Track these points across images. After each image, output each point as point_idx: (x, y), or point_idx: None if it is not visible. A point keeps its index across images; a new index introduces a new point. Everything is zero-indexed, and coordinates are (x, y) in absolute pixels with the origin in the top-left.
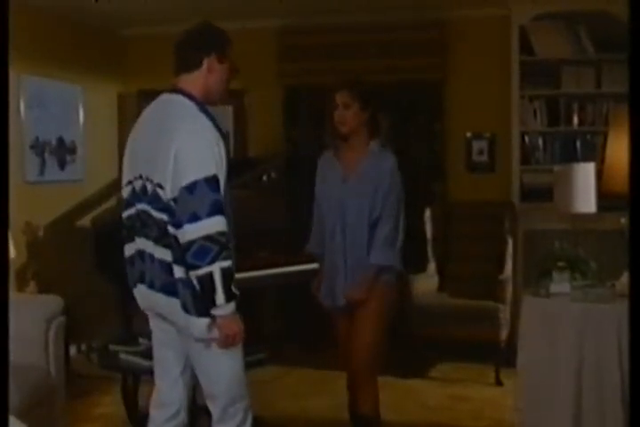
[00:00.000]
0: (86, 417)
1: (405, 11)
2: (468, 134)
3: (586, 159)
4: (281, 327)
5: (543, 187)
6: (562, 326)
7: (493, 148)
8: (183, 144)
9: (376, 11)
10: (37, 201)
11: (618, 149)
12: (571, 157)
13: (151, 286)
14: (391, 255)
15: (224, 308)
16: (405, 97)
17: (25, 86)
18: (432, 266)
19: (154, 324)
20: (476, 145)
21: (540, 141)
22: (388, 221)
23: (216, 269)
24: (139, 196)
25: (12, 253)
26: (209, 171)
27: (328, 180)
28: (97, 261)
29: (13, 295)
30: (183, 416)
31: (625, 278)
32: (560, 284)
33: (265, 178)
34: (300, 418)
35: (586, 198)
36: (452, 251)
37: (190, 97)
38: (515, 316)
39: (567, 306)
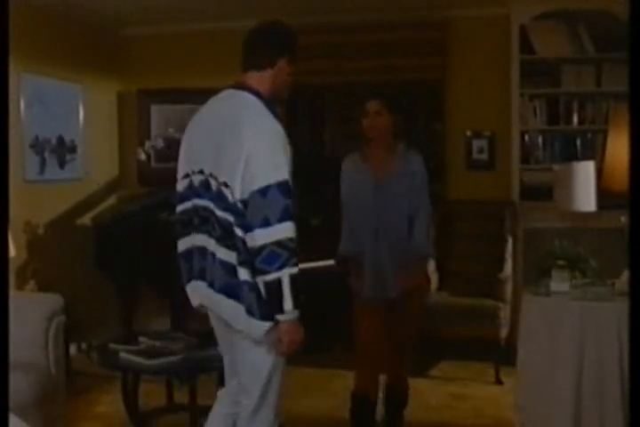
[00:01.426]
0: (86, 416)
1: (405, 11)
2: (468, 133)
3: (586, 158)
4: None
5: (543, 185)
6: (562, 324)
7: (493, 146)
8: (257, 146)
9: (376, 11)
10: (37, 200)
11: (618, 147)
12: (571, 155)
13: (211, 285)
14: (430, 246)
15: (290, 314)
16: (405, 97)
17: (25, 85)
18: (432, 264)
19: (214, 321)
20: (476, 144)
21: (540, 140)
22: (425, 216)
23: (285, 275)
24: (198, 191)
25: (12, 251)
26: (282, 175)
27: (358, 183)
28: (97, 259)
29: (13, 294)
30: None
31: (625, 277)
32: (560, 282)
33: None
34: (301, 418)
35: (586, 197)
36: (451, 249)
37: (258, 95)
38: (515, 314)
39: (567, 304)
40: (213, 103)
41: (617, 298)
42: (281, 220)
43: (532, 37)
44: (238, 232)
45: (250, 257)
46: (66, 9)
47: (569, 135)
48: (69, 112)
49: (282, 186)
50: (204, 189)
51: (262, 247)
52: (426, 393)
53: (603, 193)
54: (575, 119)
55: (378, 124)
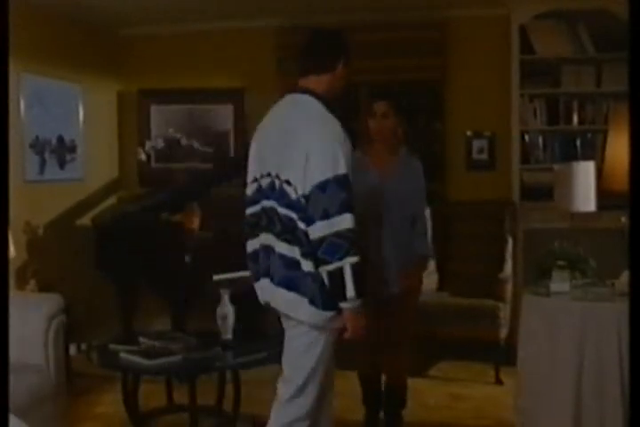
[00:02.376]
0: (86, 416)
1: (405, 11)
2: (468, 133)
3: (586, 158)
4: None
5: (543, 186)
6: (562, 324)
7: (493, 146)
8: (316, 143)
9: (376, 11)
10: (37, 200)
11: (618, 147)
12: (571, 155)
13: (272, 279)
14: (429, 246)
15: (353, 302)
16: (405, 97)
17: (25, 85)
18: (432, 265)
19: (283, 318)
20: (476, 144)
21: (540, 140)
22: (424, 217)
23: (346, 264)
24: (266, 193)
25: (12, 252)
26: (340, 170)
27: (362, 181)
28: (97, 259)
29: (13, 294)
30: (307, 396)
31: (625, 277)
32: (560, 282)
33: None
34: None
35: (586, 197)
36: (451, 250)
37: (317, 96)
38: (515, 315)
39: (567, 305)
40: (276, 109)
41: (617, 298)
42: (340, 212)
43: (532, 37)
44: (301, 226)
45: (312, 249)
46: (66, 9)
47: (569, 135)
48: (69, 112)
49: (340, 180)
50: (271, 190)
51: (323, 239)
52: (426, 393)
53: (603, 193)
54: (575, 119)
55: (385, 127)
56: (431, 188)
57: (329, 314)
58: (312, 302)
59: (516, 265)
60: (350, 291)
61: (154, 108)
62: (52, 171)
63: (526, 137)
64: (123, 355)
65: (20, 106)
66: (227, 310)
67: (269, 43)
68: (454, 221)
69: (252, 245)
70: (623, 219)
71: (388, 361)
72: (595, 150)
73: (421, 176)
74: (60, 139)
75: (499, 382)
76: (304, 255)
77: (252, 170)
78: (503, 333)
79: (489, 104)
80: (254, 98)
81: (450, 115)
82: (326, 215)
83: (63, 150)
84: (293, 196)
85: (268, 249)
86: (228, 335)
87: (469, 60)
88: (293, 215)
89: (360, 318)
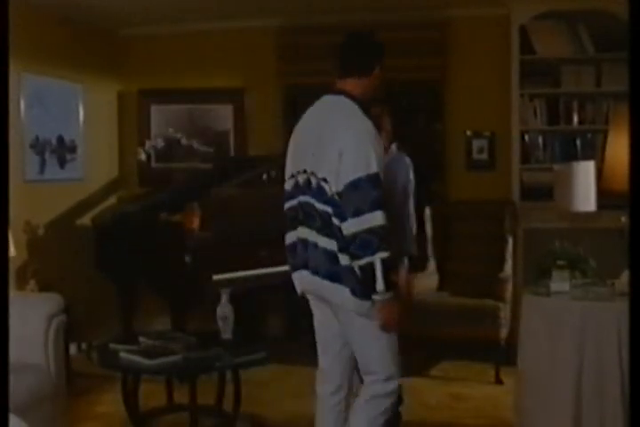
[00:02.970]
0: (86, 416)
1: (405, 11)
2: (468, 133)
3: (586, 158)
4: (282, 327)
5: (543, 185)
6: (562, 324)
7: (493, 146)
8: (349, 143)
9: (376, 11)
10: (37, 200)
11: (618, 147)
12: (571, 155)
13: (315, 272)
14: (413, 244)
15: (383, 294)
16: (405, 97)
17: (25, 85)
18: (432, 265)
19: (315, 307)
20: (476, 144)
21: (540, 140)
22: (412, 216)
23: (377, 259)
24: (302, 189)
25: (12, 251)
26: (372, 168)
27: None
28: (97, 259)
29: (13, 294)
30: (345, 391)
31: (625, 277)
32: (560, 282)
33: (265, 177)
34: (301, 418)
35: (586, 197)
36: (451, 250)
37: (353, 98)
38: (515, 314)
39: (567, 305)
40: (314, 109)
41: (617, 298)
42: (371, 209)
43: (532, 37)
44: (335, 222)
45: (346, 244)
46: (66, 9)
47: (569, 135)
48: (69, 112)
49: (372, 179)
50: (307, 186)
51: (355, 235)
52: (426, 393)
53: (603, 193)
54: (575, 119)
55: (379, 128)
56: (431, 188)
57: (367, 303)
58: (353, 292)
59: (516, 265)
60: (380, 284)
61: (154, 108)
62: (52, 171)
63: (526, 137)
64: (123, 355)
65: (20, 106)
66: (227, 309)
67: (269, 43)
68: (454, 221)
69: (289, 237)
70: (623, 219)
71: None
72: (595, 150)
73: (410, 173)
74: (60, 139)
75: (499, 381)
76: (340, 250)
77: (290, 167)
78: (503, 333)
79: (489, 104)
80: (254, 98)
81: (450, 115)
82: (358, 212)
83: (63, 150)
84: (329, 193)
85: (305, 242)
86: (228, 335)
87: (469, 60)
88: (330, 211)
89: (391, 309)
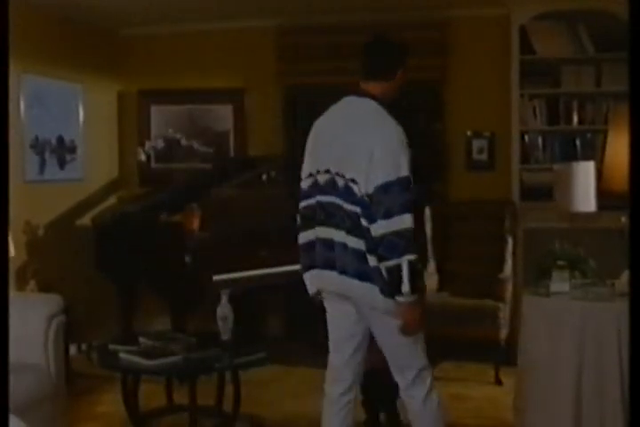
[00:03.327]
0: (86, 416)
1: (405, 11)
2: (468, 133)
3: (586, 158)
4: (282, 327)
5: (543, 186)
6: (562, 324)
7: (493, 147)
8: (381, 145)
9: (376, 11)
10: (37, 200)
11: (617, 147)
12: (570, 155)
13: (343, 271)
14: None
15: (407, 297)
16: (405, 97)
17: (25, 85)
18: (432, 265)
19: (332, 306)
20: (476, 144)
21: (540, 140)
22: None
23: (404, 261)
24: (324, 188)
25: (12, 252)
26: (403, 172)
27: None
28: (97, 260)
29: (13, 294)
30: (355, 391)
31: (625, 277)
32: (560, 283)
33: (265, 177)
34: (301, 418)
35: (586, 197)
36: (451, 250)
37: (378, 100)
38: (515, 315)
39: (567, 305)
40: (336, 109)
41: (617, 298)
42: (401, 212)
43: (532, 38)
44: (364, 223)
45: (374, 245)
46: (66, 9)
47: (569, 135)
48: (69, 112)
49: (403, 182)
50: (330, 186)
51: (383, 237)
52: None
53: (603, 193)
54: (575, 119)
55: None
56: (431, 188)
57: (393, 303)
58: (382, 290)
59: (516, 265)
60: (405, 286)
61: (154, 109)
62: (51, 171)
63: (526, 137)
64: (123, 355)
65: (20, 106)
66: (226, 310)
67: (269, 43)
68: (454, 221)
69: (305, 236)
70: (623, 219)
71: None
72: (594, 150)
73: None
74: (60, 139)
75: (499, 382)
76: (369, 251)
77: (308, 166)
78: (503, 333)
79: (489, 104)
80: (254, 98)
81: (450, 115)
82: (388, 215)
83: (63, 150)
84: (358, 194)
85: (330, 242)
86: (228, 336)
87: (469, 60)
88: (358, 212)
89: (415, 311)
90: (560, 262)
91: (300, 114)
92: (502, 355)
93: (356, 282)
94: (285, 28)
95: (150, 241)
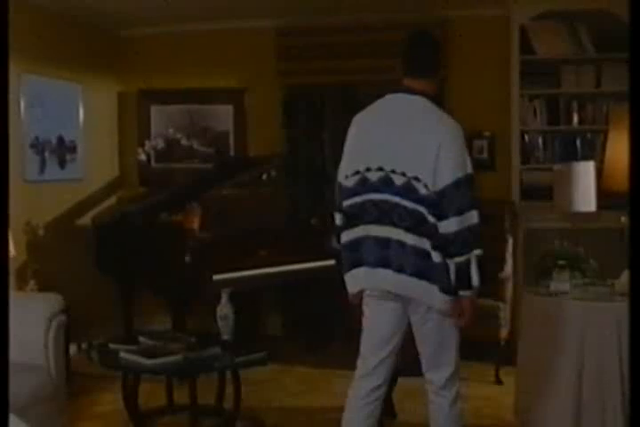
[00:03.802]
0: (86, 416)
1: (405, 11)
2: (468, 133)
3: (586, 158)
4: (281, 326)
5: (543, 186)
6: (562, 324)
7: (493, 147)
8: (447, 143)
9: (376, 11)
10: (37, 200)
11: (618, 147)
12: (571, 155)
13: (400, 270)
14: None
15: (473, 291)
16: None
17: (25, 85)
18: None
19: (375, 305)
20: (476, 144)
21: (540, 140)
22: None
23: (473, 256)
24: (375, 186)
25: (12, 252)
26: (468, 169)
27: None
28: (97, 259)
29: (13, 294)
30: (384, 390)
31: (625, 277)
32: (560, 282)
33: (265, 177)
34: (300, 417)
35: (586, 197)
36: None
37: (430, 99)
38: (515, 314)
39: (567, 305)
40: (385, 106)
41: (617, 298)
42: (470, 208)
43: (532, 38)
44: (431, 220)
45: (442, 242)
46: (66, 9)
47: (569, 135)
48: (69, 112)
49: (469, 179)
50: (384, 184)
51: (457, 233)
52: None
53: (603, 193)
54: (575, 119)
55: None
56: None
57: (452, 300)
58: (442, 289)
59: (516, 265)
60: (475, 280)
61: (154, 109)
62: (52, 171)
63: (526, 137)
64: (123, 354)
65: (20, 106)
66: (227, 310)
67: (269, 43)
68: None
69: (350, 234)
70: (623, 219)
71: None
72: (594, 150)
73: None
74: (60, 139)
75: (499, 381)
76: (434, 247)
77: (353, 163)
78: (503, 332)
79: (489, 104)
80: (254, 98)
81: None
82: (460, 211)
83: (63, 150)
84: (423, 192)
85: (385, 241)
86: (228, 335)
87: (469, 60)
88: (422, 210)
89: (474, 304)
90: (560, 262)
91: (300, 113)
92: (502, 354)
93: (414, 280)
94: (285, 29)
95: (150, 241)
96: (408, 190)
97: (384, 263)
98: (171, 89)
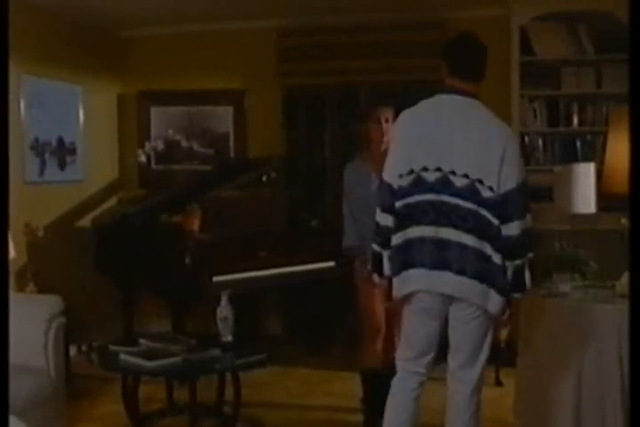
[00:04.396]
0: (86, 417)
1: (405, 12)
2: None
3: (586, 160)
4: (281, 328)
5: (543, 187)
6: (562, 325)
7: None
8: (511, 148)
9: (376, 12)
10: (37, 202)
11: (618, 149)
12: (571, 157)
13: (460, 272)
14: None
15: (525, 292)
16: (405, 97)
17: (25, 86)
18: None
19: (422, 304)
20: None
21: (540, 142)
22: None
23: (526, 259)
24: (432, 186)
25: (12, 253)
26: (524, 174)
27: (362, 183)
28: (97, 261)
29: (13, 296)
30: (423, 388)
31: (625, 279)
32: (560, 284)
33: (265, 178)
34: (300, 418)
35: (586, 199)
36: None
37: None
38: (515, 315)
39: (567, 306)
40: (438, 106)
41: (617, 300)
42: (527, 212)
43: (532, 39)
44: (495, 223)
45: (504, 245)
46: (66, 10)
47: (569, 137)
48: (69, 114)
49: (526, 183)
50: (442, 185)
51: (518, 236)
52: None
53: (603, 195)
54: (575, 121)
55: (388, 133)
56: None
57: (503, 302)
58: (499, 291)
59: None
60: (528, 282)
61: (154, 110)
62: (51, 172)
63: (526, 138)
64: (123, 356)
65: (20, 107)
66: (227, 311)
67: (269, 44)
68: None
69: (400, 236)
70: (623, 220)
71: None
72: (595, 152)
73: None
74: (60, 140)
75: (499, 383)
76: (496, 250)
77: (407, 163)
78: (503, 334)
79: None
80: (254, 99)
81: None
82: (522, 215)
83: (63, 152)
84: (487, 194)
85: (441, 242)
86: (228, 337)
87: None
88: (486, 213)
89: (515, 306)
90: (560, 264)
91: (300, 114)
92: (502, 356)
93: (474, 283)
94: (285, 29)
95: (150, 242)
96: (471, 192)
97: (443, 265)
98: (171, 90)
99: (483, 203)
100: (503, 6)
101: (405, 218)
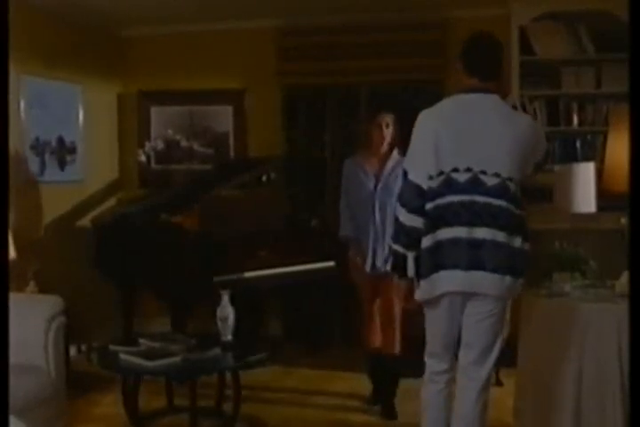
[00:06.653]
0: (86, 417)
1: (405, 11)
2: None
3: (586, 159)
4: (281, 328)
5: (543, 187)
6: (562, 325)
7: None
8: (542, 145)
9: (376, 12)
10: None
11: (617, 148)
12: (570, 156)
13: (495, 270)
14: None
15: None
16: (405, 97)
17: (25, 86)
18: None
19: (449, 303)
20: None
21: None
22: None
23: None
24: (464, 187)
25: (12, 253)
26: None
27: (360, 178)
28: (97, 261)
29: (13, 295)
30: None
31: (625, 278)
32: (560, 284)
33: (264, 178)
34: (300, 418)
35: (586, 198)
36: None
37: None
38: (515, 315)
39: (567, 306)
40: (458, 106)
41: (617, 299)
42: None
43: (532, 38)
44: (517, 213)
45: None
46: (66, 10)
47: (569, 136)
48: (69, 113)
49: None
50: (473, 185)
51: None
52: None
53: (603, 194)
54: (575, 120)
55: (389, 135)
56: None
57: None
58: (522, 278)
59: None
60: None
61: (154, 110)
62: (51, 172)
63: None
64: (123, 356)
65: (20, 107)
66: (227, 311)
67: (269, 43)
68: None
69: (431, 238)
70: (623, 220)
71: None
72: (595, 151)
73: None
74: (60, 140)
75: (499, 383)
76: (524, 239)
77: (436, 164)
78: (503, 333)
79: None
80: (254, 99)
81: None
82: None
83: (63, 152)
84: (514, 189)
85: (475, 242)
86: (228, 337)
87: None
88: (513, 207)
89: None
90: (560, 263)
91: (300, 114)
92: (503, 356)
93: (507, 278)
94: (285, 29)
95: (150, 242)
96: (501, 190)
97: (477, 265)
98: (170, 90)
99: (511, 199)
100: (503, 6)
101: (436, 219)
